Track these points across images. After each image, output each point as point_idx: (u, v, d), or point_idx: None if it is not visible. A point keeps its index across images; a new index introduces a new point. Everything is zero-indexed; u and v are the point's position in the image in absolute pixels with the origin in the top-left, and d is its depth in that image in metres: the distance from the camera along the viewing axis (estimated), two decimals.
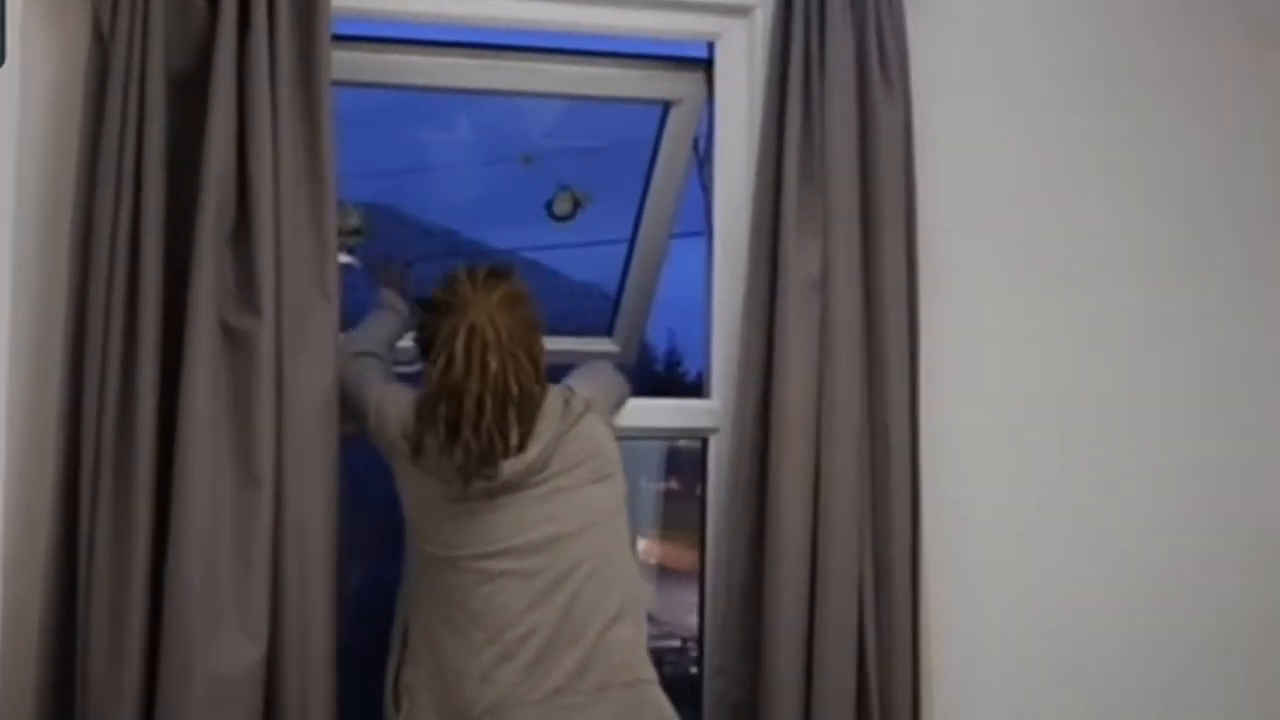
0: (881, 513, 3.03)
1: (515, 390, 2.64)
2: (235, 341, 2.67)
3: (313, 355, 2.73)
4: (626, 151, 3.34)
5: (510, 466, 2.65)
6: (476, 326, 2.64)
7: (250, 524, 2.64)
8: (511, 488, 2.67)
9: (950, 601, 3.17)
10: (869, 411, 3.03)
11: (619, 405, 3.00)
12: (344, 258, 3.17)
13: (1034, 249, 3.31)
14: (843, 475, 2.97)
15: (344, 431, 2.79)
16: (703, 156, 3.24)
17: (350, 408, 2.80)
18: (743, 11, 3.16)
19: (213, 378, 2.65)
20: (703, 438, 3.19)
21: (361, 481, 2.94)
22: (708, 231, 3.21)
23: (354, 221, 3.18)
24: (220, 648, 2.60)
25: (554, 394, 2.75)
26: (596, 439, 2.77)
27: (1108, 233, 3.35)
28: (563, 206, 3.23)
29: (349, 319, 2.87)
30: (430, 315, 2.74)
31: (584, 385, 2.87)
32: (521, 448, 2.66)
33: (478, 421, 2.61)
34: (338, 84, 2.80)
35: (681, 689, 3.03)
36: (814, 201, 3.01)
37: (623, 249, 3.33)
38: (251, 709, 2.62)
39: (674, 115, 3.22)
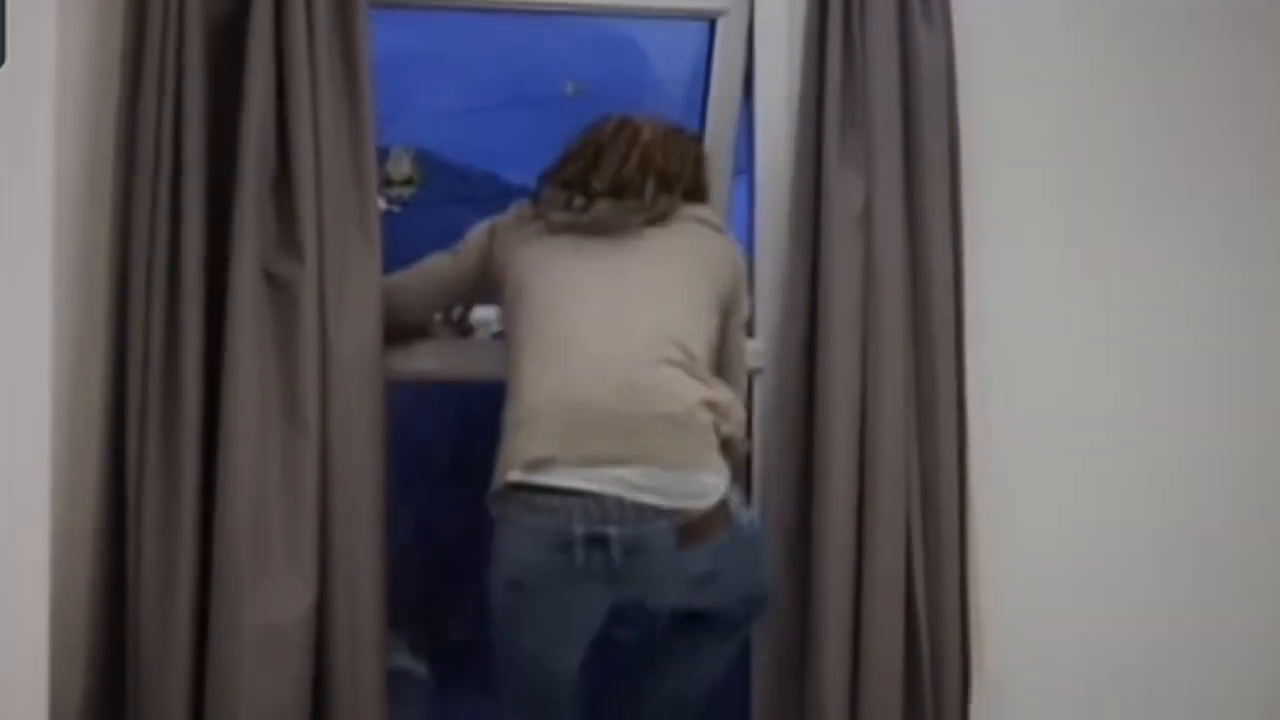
0: (928, 449, 3.01)
1: (661, 163, 2.74)
2: (278, 287, 2.67)
3: (356, 299, 2.73)
4: (662, 91, 3.30)
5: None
6: (629, 123, 2.77)
7: (298, 468, 2.64)
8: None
9: (999, 538, 3.16)
10: (914, 345, 3.01)
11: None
12: (388, 205, 3.16)
13: (1079, 178, 3.26)
14: (889, 412, 2.95)
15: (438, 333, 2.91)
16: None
17: (429, 294, 2.89)
18: None
19: (257, 324, 2.65)
20: (748, 378, 3.17)
21: (408, 426, 2.94)
22: (749, 170, 3.18)
23: (406, 169, 3.15)
24: (271, 593, 2.61)
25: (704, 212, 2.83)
26: (719, 254, 2.80)
27: (1155, 162, 3.30)
28: None
29: (391, 265, 2.85)
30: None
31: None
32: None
33: (619, 168, 2.72)
34: (375, 5, 2.80)
35: None
36: (856, 136, 2.98)
37: None
38: (303, 654, 2.63)
39: (721, 29, 3.15)
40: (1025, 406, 3.22)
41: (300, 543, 2.64)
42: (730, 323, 2.83)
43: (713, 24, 3.17)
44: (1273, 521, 3.35)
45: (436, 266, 2.88)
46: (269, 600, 2.60)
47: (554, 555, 2.54)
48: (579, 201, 2.73)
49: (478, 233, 2.85)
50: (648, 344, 2.63)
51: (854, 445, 2.94)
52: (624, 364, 2.61)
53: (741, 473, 3.04)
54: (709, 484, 2.61)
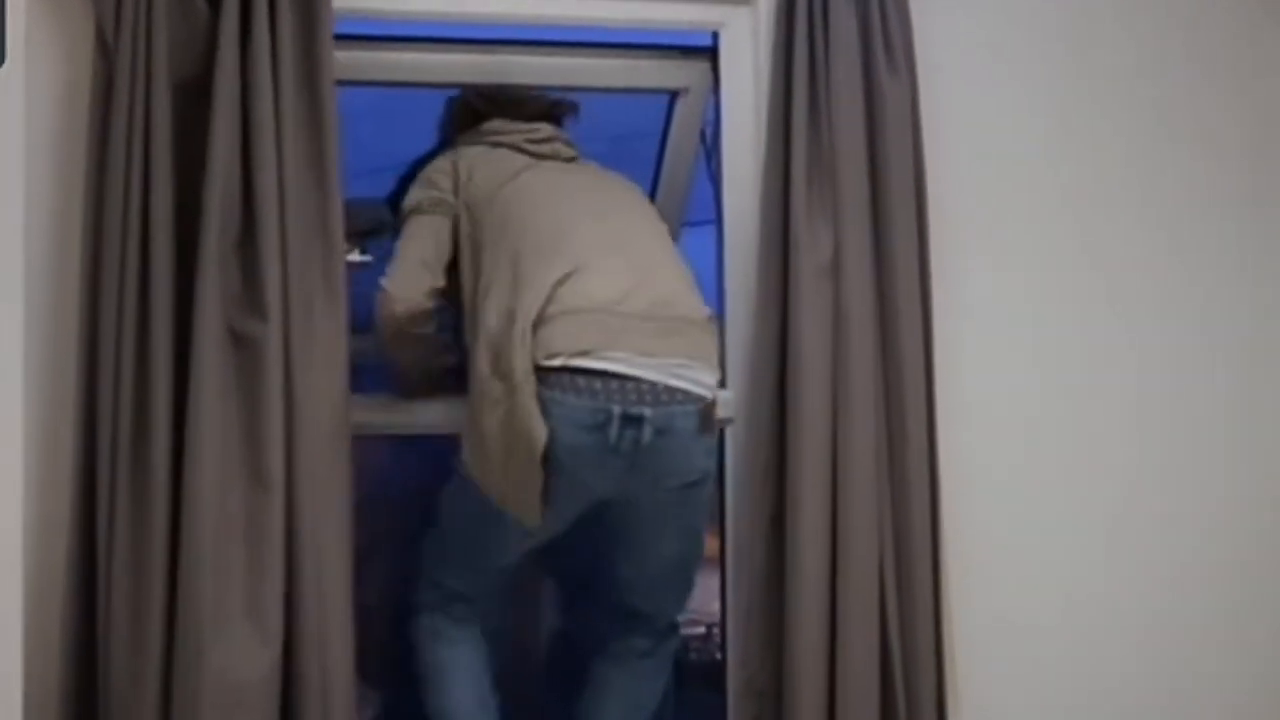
0: (900, 496, 3.01)
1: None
2: (243, 346, 2.66)
3: (322, 357, 2.72)
4: (635, 144, 3.33)
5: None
6: None
7: (261, 528, 2.63)
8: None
9: (971, 581, 3.15)
10: (884, 395, 3.02)
11: None
12: (361, 256, 3.18)
13: (1046, 224, 3.28)
14: (860, 461, 2.95)
15: None
16: (710, 146, 3.23)
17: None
18: None
19: (221, 384, 2.64)
20: (720, 428, 3.17)
21: (376, 484, 2.94)
22: (718, 220, 3.19)
23: (374, 219, 3.19)
24: (232, 651, 2.59)
25: None
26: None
27: (1122, 205, 3.32)
28: None
29: (360, 317, 2.86)
30: None
31: None
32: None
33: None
34: (341, 83, 2.80)
35: (708, 675, 3.02)
36: (823, 186, 2.99)
37: None
38: (267, 713, 2.61)
39: (680, 105, 3.22)
40: (998, 448, 3.23)
41: (263, 600, 2.62)
42: None
43: (673, 97, 3.24)
44: (1247, 564, 3.36)
45: (417, 240, 2.94)
46: (231, 655, 2.59)
47: (591, 433, 2.68)
48: (521, 121, 3.03)
49: (436, 173, 2.98)
50: (649, 255, 2.88)
51: (826, 492, 2.94)
52: (640, 274, 2.81)
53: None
54: (712, 383, 2.81)
